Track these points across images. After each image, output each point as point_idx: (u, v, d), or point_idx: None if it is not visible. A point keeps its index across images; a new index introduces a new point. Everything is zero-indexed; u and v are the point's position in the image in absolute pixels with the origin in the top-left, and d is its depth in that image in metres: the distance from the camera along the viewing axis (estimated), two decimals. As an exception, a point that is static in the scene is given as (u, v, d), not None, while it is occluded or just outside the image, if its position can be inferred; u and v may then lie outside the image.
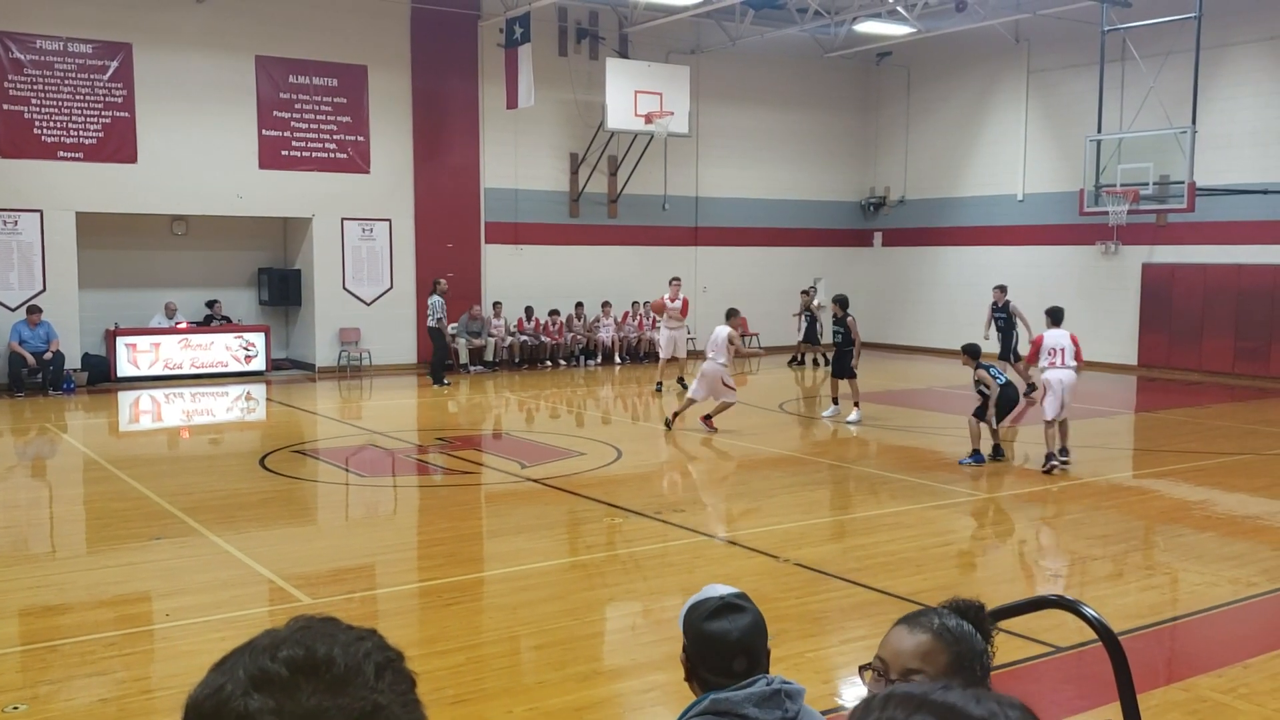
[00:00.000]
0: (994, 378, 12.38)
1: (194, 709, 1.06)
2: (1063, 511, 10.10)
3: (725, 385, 14.29)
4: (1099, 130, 18.94)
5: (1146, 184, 18.06)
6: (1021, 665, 5.91)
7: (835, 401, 15.78)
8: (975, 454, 12.38)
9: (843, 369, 15.35)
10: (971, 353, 12.63)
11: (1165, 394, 18.82)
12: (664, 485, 11.42)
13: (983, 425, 12.44)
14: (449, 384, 19.54)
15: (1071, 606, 2.85)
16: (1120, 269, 22.08)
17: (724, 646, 2.56)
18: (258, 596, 7.47)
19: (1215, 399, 17.73)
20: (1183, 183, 17.56)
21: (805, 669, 5.97)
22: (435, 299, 19.60)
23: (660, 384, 18.64)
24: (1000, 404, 12.47)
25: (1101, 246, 22.31)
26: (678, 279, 19.18)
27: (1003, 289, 18.58)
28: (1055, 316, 12.75)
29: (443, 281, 19.90)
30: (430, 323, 19.67)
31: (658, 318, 18.82)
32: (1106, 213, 18.66)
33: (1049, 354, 12.38)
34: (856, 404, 15.28)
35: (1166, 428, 15.38)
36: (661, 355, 18.71)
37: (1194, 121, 17.57)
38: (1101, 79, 18.96)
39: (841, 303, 15.62)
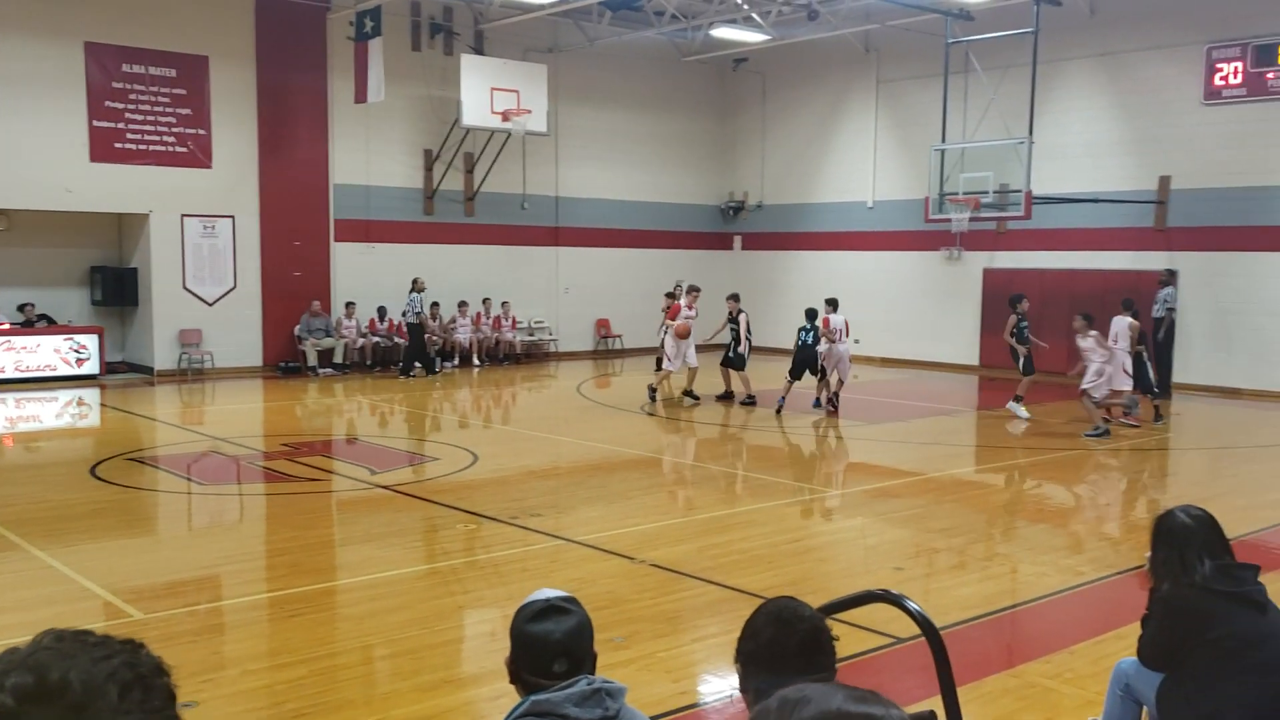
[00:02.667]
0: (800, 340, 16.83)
1: None
2: (908, 505, 10.39)
3: (1125, 372, 15.07)
4: (943, 140, 19.60)
5: (987, 192, 18.75)
6: (864, 657, 6.03)
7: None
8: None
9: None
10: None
11: (1005, 393, 19.50)
12: (521, 489, 11.32)
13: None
14: (438, 373, 21.11)
15: (895, 600, 2.93)
16: (963, 274, 22.91)
17: (545, 648, 2.57)
18: (86, 613, 7.10)
19: (1051, 398, 18.49)
20: (1020, 191, 18.29)
21: (657, 669, 5.99)
22: (415, 295, 20.64)
23: (653, 389, 17.38)
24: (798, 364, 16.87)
25: (946, 252, 23.10)
26: (696, 289, 18.01)
27: (735, 298, 18.37)
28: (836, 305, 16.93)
29: (420, 279, 20.90)
30: (409, 319, 20.78)
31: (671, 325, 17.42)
32: (950, 220, 19.32)
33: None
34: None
35: (1006, 425, 15.98)
36: (671, 365, 17.28)
37: (1031, 133, 18.34)
38: (945, 90, 19.63)
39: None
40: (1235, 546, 4.07)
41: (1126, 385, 15.42)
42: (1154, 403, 15.90)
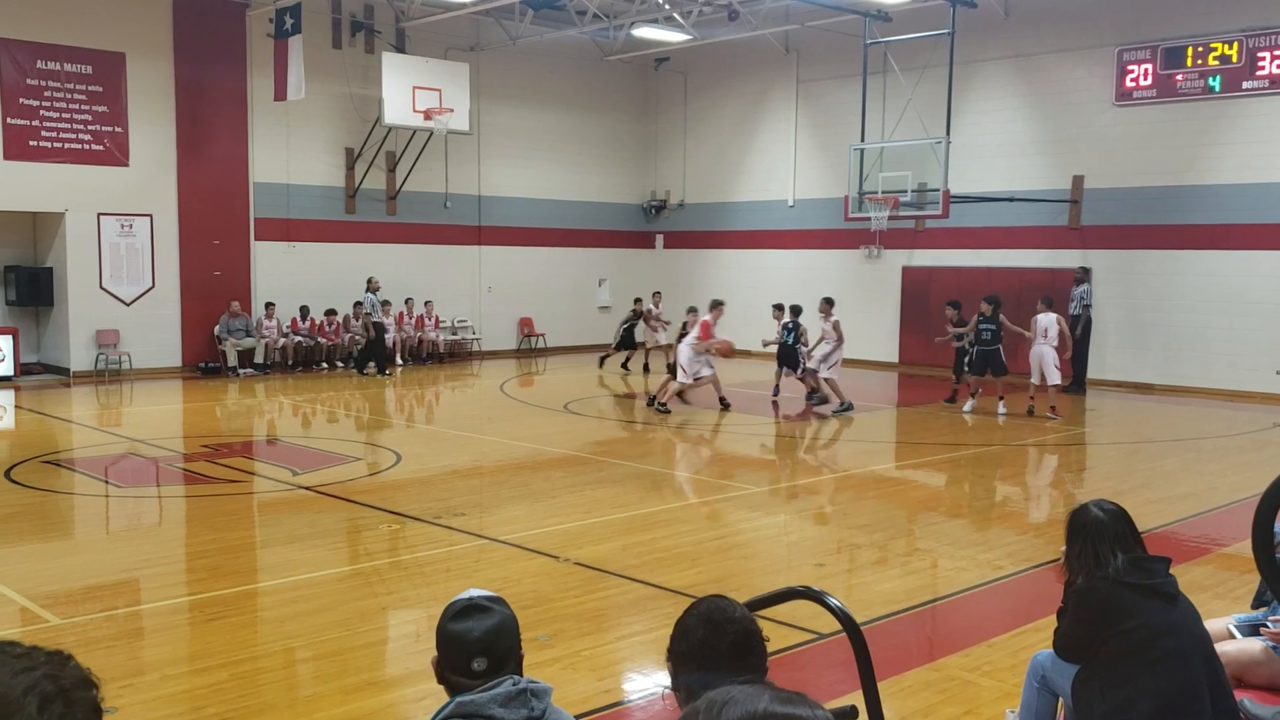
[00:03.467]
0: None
1: None
2: (829, 502, 10.53)
3: (1055, 367, 15.97)
4: (862, 139, 19.86)
5: (905, 191, 19.04)
6: (787, 653, 6.11)
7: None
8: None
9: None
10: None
11: (923, 390, 19.89)
12: (444, 489, 11.27)
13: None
14: (390, 374, 21.07)
15: (816, 597, 2.99)
16: (882, 272, 23.24)
17: (464, 646, 2.59)
18: (1, 620, 6.93)
19: (967, 394, 18.84)
20: (938, 190, 18.61)
21: (581, 667, 6.01)
22: (369, 296, 21.01)
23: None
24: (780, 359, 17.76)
25: (865, 250, 23.42)
26: (720, 303, 17.20)
27: (657, 294, 18.91)
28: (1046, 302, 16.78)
29: (374, 279, 21.33)
30: (374, 318, 21.09)
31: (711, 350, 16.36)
32: (869, 218, 19.58)
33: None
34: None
35: (924, 421, 16.26)
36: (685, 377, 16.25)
37: (948, 132, 18.66)
38: (864, 90, 19.89)
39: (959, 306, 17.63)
40: (1148, 539, 4.18)
41: (1057, 379, 16.04)
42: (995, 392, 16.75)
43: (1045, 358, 16.04)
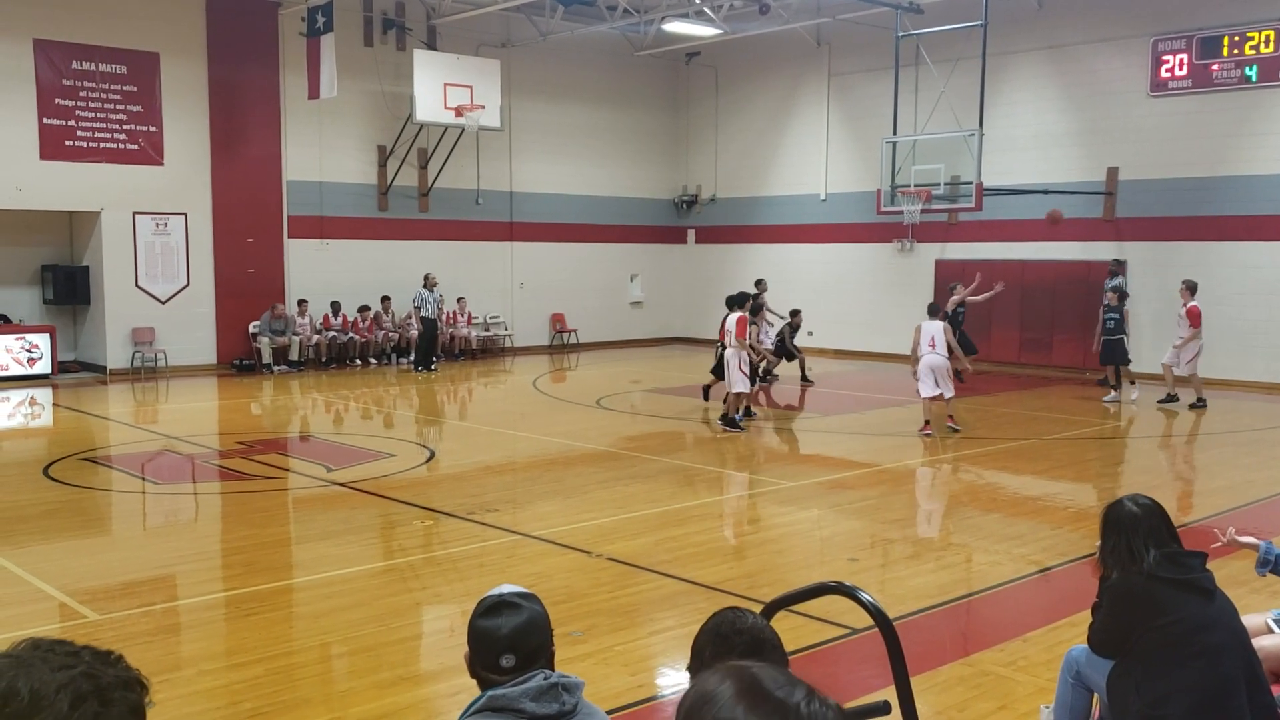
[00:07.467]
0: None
1: None
2: (862, 497, 10.49)
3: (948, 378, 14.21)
4: (894, 132, 19.75)
5: (938, 184, 18.91)
6: (821, 648, 6.10)
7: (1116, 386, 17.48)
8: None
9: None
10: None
11: (956, 383, 19.73)
12: (478, 485, 11.31)
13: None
14: (435, 369, 21.14)
15: (848, 592, 2.98)
16: (915, 265, 23.10)
17: (492, 642, 2.61)
18: (40, 615, 7.03)
19: (1002, 387, 18.72)
20: (971, 183, 18.48)
21: (614, 662, 6.02)
22: (425, 291, 21.09)
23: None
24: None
25: (898, 244, 23.29)
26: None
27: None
28: (930, 310, 14.94)
29: (431, 275, 21.39)
30: (426, 313, 21.21)
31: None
32: (901, 212, 19.47)
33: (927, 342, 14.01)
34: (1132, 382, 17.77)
35: (958, 415, 16.13)
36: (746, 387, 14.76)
37: (981, 125, 18.51)
38: (896, 83, 19.78)
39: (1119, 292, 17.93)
40: (1183, 534, 4.14)
41: (951, 391, 14.44)
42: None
43: (938, 368, 14.18)
